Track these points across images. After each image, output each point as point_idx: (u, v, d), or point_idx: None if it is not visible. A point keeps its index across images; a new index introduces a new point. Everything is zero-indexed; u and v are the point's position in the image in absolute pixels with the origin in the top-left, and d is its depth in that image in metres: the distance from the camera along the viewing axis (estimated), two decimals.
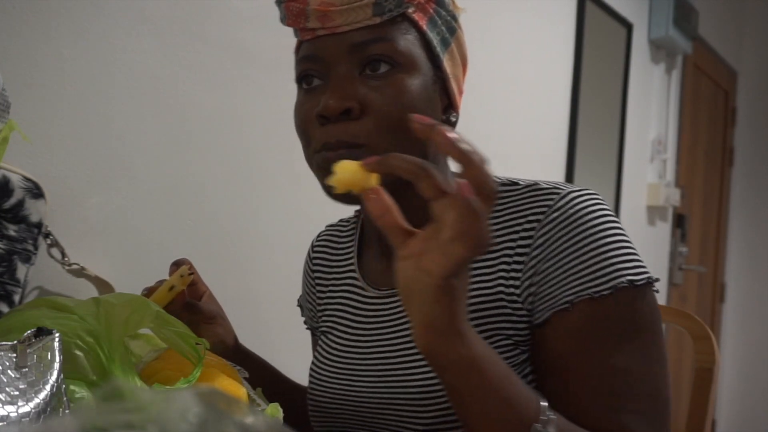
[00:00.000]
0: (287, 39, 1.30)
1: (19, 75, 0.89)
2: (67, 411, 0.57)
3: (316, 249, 0.90)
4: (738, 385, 3.63)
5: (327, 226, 0.92)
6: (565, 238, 0.64)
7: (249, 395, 0.75)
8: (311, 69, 0.69)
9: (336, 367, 0.78)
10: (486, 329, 0.67)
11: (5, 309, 0.81)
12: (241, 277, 1.23)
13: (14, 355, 0.54)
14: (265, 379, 0.91)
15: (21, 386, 0.54)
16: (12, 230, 0.82)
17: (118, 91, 1.02)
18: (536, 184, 0.69)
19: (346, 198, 0.63)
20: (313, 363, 0.82)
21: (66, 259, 0.92)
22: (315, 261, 0.89)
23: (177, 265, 0.86)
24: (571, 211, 0.65)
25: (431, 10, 0.69)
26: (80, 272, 0.94)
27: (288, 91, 1.27)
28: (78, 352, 0.64)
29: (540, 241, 0.65)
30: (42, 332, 0.57)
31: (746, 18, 3.77)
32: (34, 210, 0.84)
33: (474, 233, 0.47)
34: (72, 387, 0.61)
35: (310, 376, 0.81)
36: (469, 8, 0.76)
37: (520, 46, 2.00)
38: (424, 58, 0.68)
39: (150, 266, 1.03)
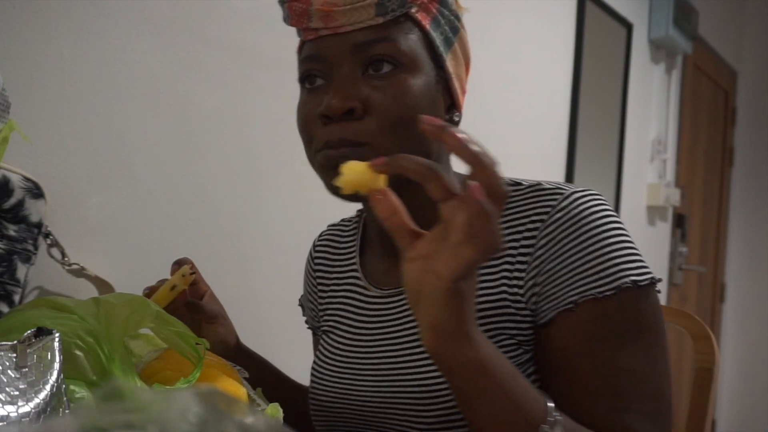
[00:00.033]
0: (287, 39, 1.30)
1: (19, 75, 0.89)
2: (67, 411, 0.57)
3: (317, 248, 0.90)
4: (738, 385, 3.63)
5: (329, 226, 0.92)
6: (569, 239, 0.64)
7: (249, 395, 0.75)
8: (314, 69, 0.69)
9: (338, 367, 0.78)
10: (489, 329, 0.67)
11: (5, 309, 0.81)
12: (241, 277, 1.23)
13: (14, 355, 0.54)
14: (266, 378, 0.91)
15: (21, 386, 0.54)
16: (12, 230, 0.82)
17: (118, 91, 1.02)
18: (539, 184, 0.69)
19: (351, 197, 0.63)
20: (314, 363, 0.82)
21: (66, 259, 0.92)
22: (317, 260, 0.89)
23: (178, 264, 0.86)
24: (575, 211, 0.65)
25: (434, 10, 0.69)
26: (80, 272, 0.94)
27: (288, 91, 1.27)
28: (78, 352, 0.64)
29: (543, 241, 0.65)
30: (42, 332, 0.57)
31: (746, 18, 3.77)
32: (34, 210, 0.84)
33: (485, 236, 0.47)
34: (72, 387, 0.61)
35: (312, 375, 0.81)
36: (469, 8, 0.76)
37: (520, 46, 2.00)
38: (427, 57, 0.68)
39: (150, 266, 1.03)
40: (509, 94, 1.96)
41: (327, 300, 0.85)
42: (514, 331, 0.66)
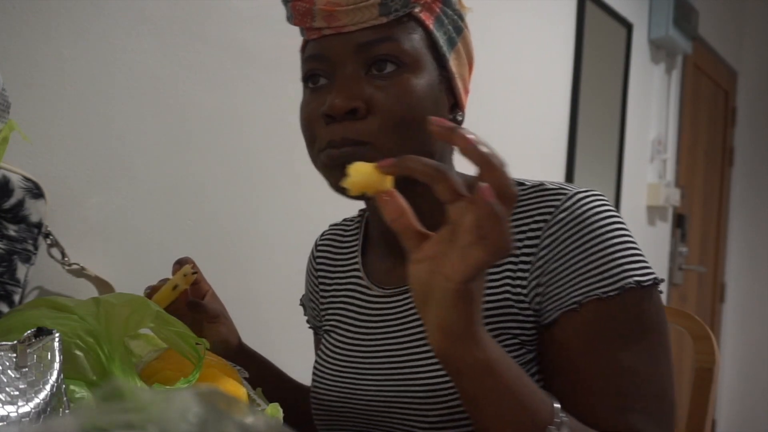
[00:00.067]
0: (287, 39, 1.30)
1: (19, 75, 0.89)
2: (67, 411, 0.57)
3: (319, 248, 0.90)
4: (738, 385, 3.63)
5: (331, 225, 0.92)
6: (573, 239, 0.64)
7: (249, 395, 0.75)
8: (317, 68, 0.69)
9: (340, 366, 0.78)
10: (493, 329, 0.67)
11: (5, 309, 0.81)
12: (241, 277, 1.23)
13: (14, 355, 0.54)
14: (267, 378, 0.91)
15: (21, 386, 0.54)
16: (12, 230, 0.82)
17: (118, 91, 1.02)
18: (542, 184, 0.69)
19: (356, 196, 0.63)
20: (316, 362, 0.82)
21: (66, 259, 0.92)
22: (318, 260, 0.89)
23: (180, 264, 0.86)
24: (579, 211, 0.65)
25: (438, 10, 0.69)
26: (80, 272, 0.94)
27: (288, 91, 1.27)
28: (78, 352, 0.64)
29: (547, 241, 0.65)
30: (42, 332, 0.57)
31: (746, 18, 3.77)
32: (34, 210, 0.84)
33: (495, 237, 0.47)
34: (72, 387, 0.61)
35: (314, 375, 0.81)
36: (472, 8, 0.76)
37: (520, 46, 2.00)
38: (430, 57, 0.68)
39: (150, 266, 1.03)
40: (509, 94, 1.96)
41: (329, 299, 0.85)
42: (517, 331, 0.66)
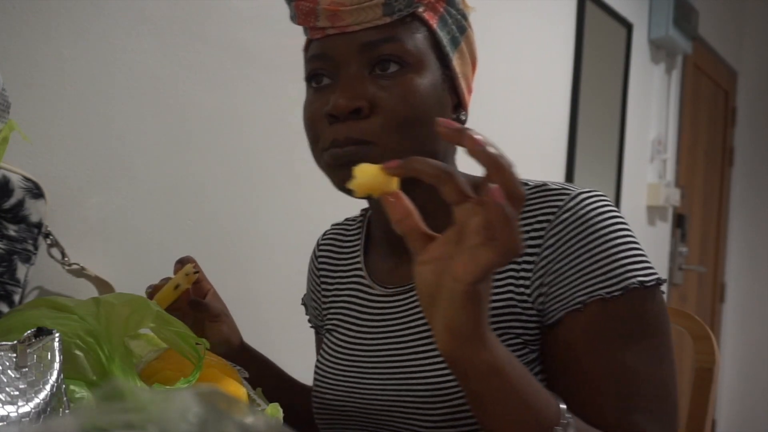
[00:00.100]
0: (287, 39, 1.30)
1: (19, 75, 0.89)
2: (67, 411, 0.57)
3: (321, 247, 0.91)
4: (738, 385, 3.63)
5: (333, 225, 0.92)
6: (576, 239, 0.64)
7: (249, 395, 0.75)
8: (321, 68, 0.69)
9: (342, 365, 0.78)
10: (496, 328, 0.67)
11: (5, 309, 0.81)
12: (241, 277, 1.23)
13: (14, 355, 0.54)
14: (268, 378, 0.91)
15: (21, 386, 0.54)
16: (12, 230, 0.82)
17: (118, 91, 1.02)
18: (545, 184, 0.69)
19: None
20: (318, 361, 0.82)
21: (66, 259, 0.92)
22: (320, 259, 0.89)
23: (182, 263, 0.86)
24: (582, 212, 0.65)
25: (441, 9, 0.69)
26: (80, 272, 0.94)
27: (288, 91, 1.27)
28: (78, 352, 0.64)
29: (551, 241, 0.65)
30: (42, 332, 0.57)
31: (746, 18, 3.77)
32: (34, 210, 0.84)
33: (505, 238, 0.46)
34: (72, 387, 0.61)
35: (315, 374, 0.81)
36: (476, 7, 0.76)
37: (520, 46, 2.00)
38: (434, 57, 0.69)
39: (150, 266, 1.03)
40: (509, 94, 1.96)
41: (331, 298, 0.85)
42: (520, 330, 0.66)
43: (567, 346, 0.64)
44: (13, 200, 0.82)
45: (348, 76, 0.67)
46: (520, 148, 2.00)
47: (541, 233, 0.66)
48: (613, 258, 0.63)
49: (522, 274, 0.66)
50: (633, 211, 2.69)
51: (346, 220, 0.91)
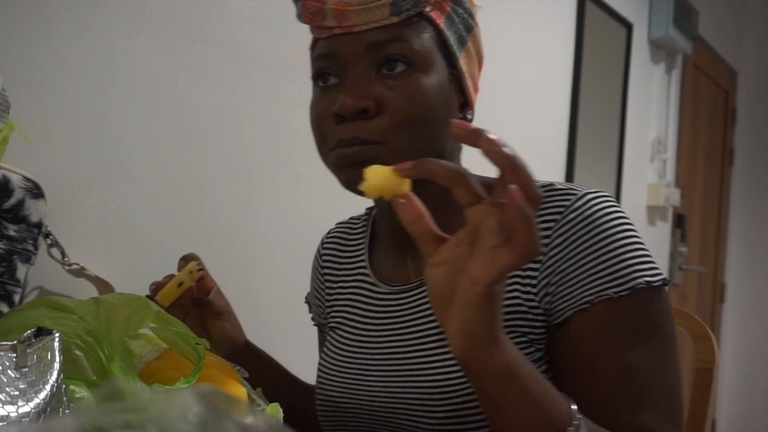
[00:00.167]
0: (287, 39, 1.30)
1: (19, 75, 0.89)
2: (67, 411, 0.57)
3: (325, 245, 0.91)
4: (738, 385, 3.63)
5: (337, 224, 0.92)
6: (583, 239, 0.64)
7: (249, 395, 0.75)
8: (327, 67, 0.69)
9: (346, 362, 0.78)
10: (503, 327, 0.66)
11: (5, 309, 0.81)
12: (241, 277, 1.23)
13: (14, 355, 0.54)
14: (272, 376, 0.91)
15: (21, 386, 0.54)
16: (12, 230, 0.82)
17: (118, 91, 1.02)
18: (551, 184, 0.69)
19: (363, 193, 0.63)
20: (321, 359, 0.82)
21: (66, 259, 0.92)
22: (324, 257, 0.90)
23: (186, 260, 0.86)
24: (589, 212, 0.65)
25: (449, 9, 0.69)
26: (80, 272, 0.94)
27: (288, 91, 1.27)
28: (78, 352, 0.64)
29: (558, 241, 0.65)
30: (42, 332, 0.57)
31: (746, 18, 3.77)
32: (34, 210, 0.84)
33: (524, 240, 0.46)
34: (72, 387, 0.61)
35: (319, 371, 0.81)
36: (482, 6, 0.76)
37: (520, 46, 2.00)
38: (440, 56, 0.69)
39: (150, 266, 1.03)
40: (509, 94, 1.96)
41: (334, 296, 0.85)
42: (527, 329, 0.67)
43: (574, 346, 0.64)
44: (13, 200, 0.82)
45: (355, 76, 0.67)
46: (520, 148, 1.98)
47: (548, 233, 0.66)
48: (621, 258, 0.63)
49: (528, 273, 0.67)
50: (633, 211, 2.69)
51: (351, 218, 0.91)
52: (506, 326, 0.67)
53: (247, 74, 1.21)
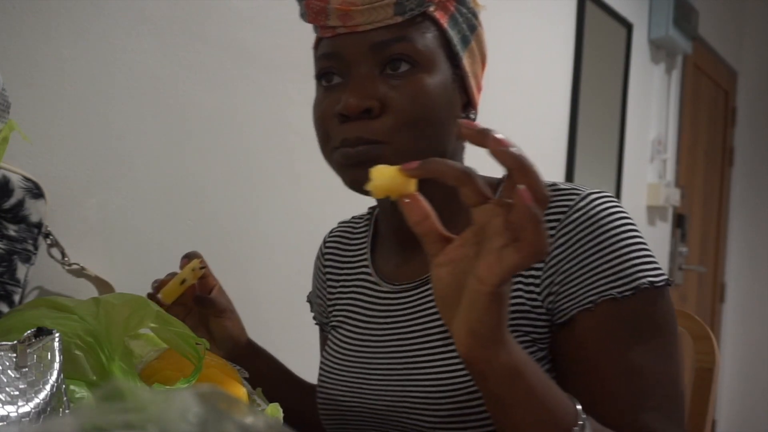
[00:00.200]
0: (287, 39, 1.30)
1: (19, 75, 0.89)
2: (67, 411, 0.57)
3: (328, 244, 0.91)
4: (738, 385, 3.63)
5: (339, 223, 0.93)
6: (587, 239, 0.64)
7: (249, 395, 0.75)
8: (331, 67, 0.69)
9: (347, 361, 0.78)
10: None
11: (5, 309, 0.81)
12: (241, 277, 1.23)
13: (14, 355, 0.54)
14: (274, 375, 0.91)
15: (21, 386, 0.54)
16: (12, 230, 0.82)
17: (118, 91, 1.02)
18: (555, 184, 0.69)
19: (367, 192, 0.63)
20: (323, 358, 0.82)
21: (66, 259, 0.92)
22: (327, 256, 0.90)
23: (188, 258, 0.86)
24: (592, 212, 0.65)
25: (452, 8, 0.70)
26: (80, 272, 0.94)
27: (288, 91, 1.27)
28: (78, 352, 0.64)
29: (561, 240, 0.65)
30: (42, 332, 0.57)
31: (746, 18, 3.77)
32: (34, 210, 0.84)
33: (532, 240, 0.46)
34: (72, 387, 0.61)
35: (321, 370, 0.81)
36: (486, 6, 0.76)
37: (520, 46, 2.00)
38: (444, 56, 0.69)
39: (150, 266, 1.03)
40: (509, 94, 1.96)
41: (336, 295, 0.85)
42: (529, 329, 0.67)
43: (578, 345, 0.64)
44: (13, 200, 0.82)
45: (359, 76, 0.67)
46: None
47: (552, 232, 0.66)
48: (624, 258, 0.63)
49: (532, 272, 0.67)
50: (633, 211, 2.69)
51: (354, 217, 0.91)
52: (509, 325, 0.66)
53: (247, 74, 1.21)
